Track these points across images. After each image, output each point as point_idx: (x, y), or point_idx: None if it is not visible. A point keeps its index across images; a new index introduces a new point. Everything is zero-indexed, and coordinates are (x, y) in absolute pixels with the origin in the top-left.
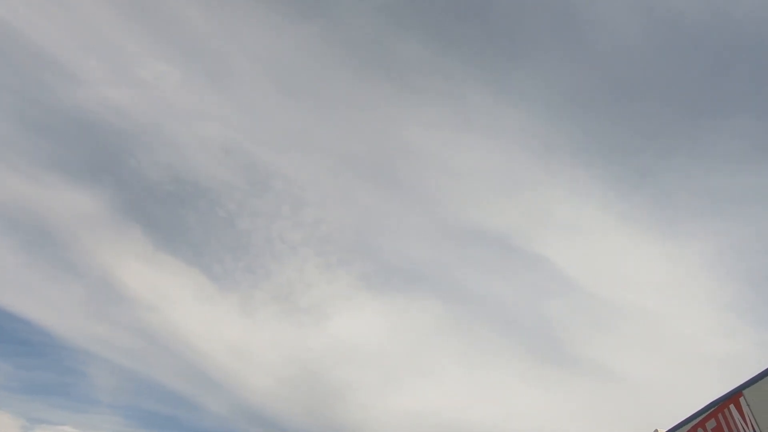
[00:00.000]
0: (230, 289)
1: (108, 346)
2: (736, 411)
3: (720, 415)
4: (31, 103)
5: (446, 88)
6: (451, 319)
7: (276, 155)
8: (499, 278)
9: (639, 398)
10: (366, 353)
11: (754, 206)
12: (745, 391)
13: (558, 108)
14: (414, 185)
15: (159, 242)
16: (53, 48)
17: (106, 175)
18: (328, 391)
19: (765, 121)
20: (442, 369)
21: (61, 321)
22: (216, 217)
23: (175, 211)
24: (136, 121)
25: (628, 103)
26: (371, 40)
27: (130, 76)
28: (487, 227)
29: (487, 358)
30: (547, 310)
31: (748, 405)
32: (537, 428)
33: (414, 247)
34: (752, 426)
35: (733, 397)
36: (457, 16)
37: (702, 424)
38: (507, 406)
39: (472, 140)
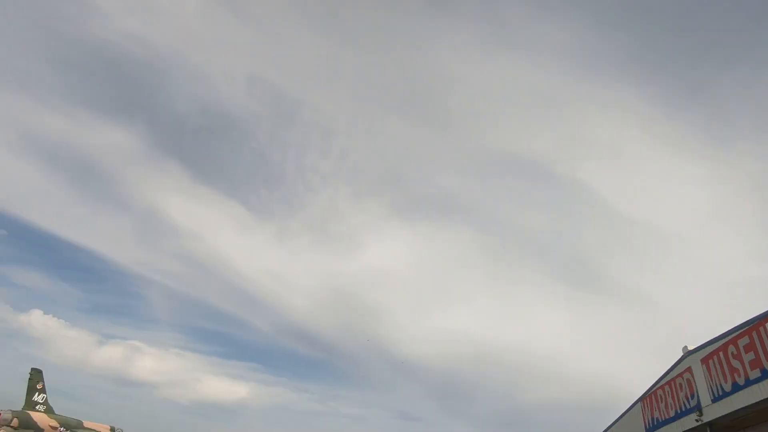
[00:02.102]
0: (267, 219)
1: (160, 272)
2: None
3: (754, 333)
4: (56, 37)
5: (481, 4)
6: (481, 246)
7: (302, 85)
8: (532, 205)
9: (669, 320)
10: (398, 278)
11: None
12: None
13: (608, 14)
14: (445, 111)
15: (196, 175)
16: None
17: (137, 109)
18: (363, 312)
19: None
20: (472, 293)
21: (114, 250)
22: (248, 149)
23: (208, 144)
24: (158, 52)
25: (687, 8)
26: None
27: (147, 4)
28: (521, 152)
29: (516, 283)
30: (584, 236)
31: None
32: (564, 348)
33: (444, 175)
34: None
35: (765, 318)
36: None
37: (734, 341)
38: (535, 328)
39: (508, 59)
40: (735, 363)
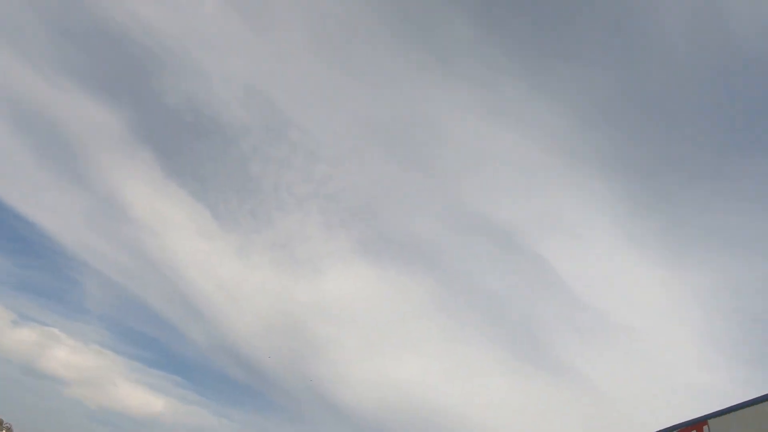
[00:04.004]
0: (231, 229)
1: (105, 261)
2: None
3: None
4: (63, 8)
5: (484, 74)
6: (440, 300)
7: (297, 104)
8: (495, 270)
9: (609, 410)
10: (352, 316)
11: (763, 250)
12: (710, 421)
13: (592, 114)
14: (431, 162)
15: (169, 170)
16: None
17: (126, 93)
18: (308, 345)
19: None
20: (422, 345)
21: (63, 228)
22: (229, 156)
23: (190, 143)
24: (163, 43)
25: (663, 122)
26: (418, 10)
27: None
28: (494, 218)
29: (469, 343)
30: (537, 310)
31: None
32: (498, 417)
33: (418, 223)
34: None
35: (699, 423)
36: (510, 3)
37: None
38: (474, 391)
39: (499, 129)
40: None
